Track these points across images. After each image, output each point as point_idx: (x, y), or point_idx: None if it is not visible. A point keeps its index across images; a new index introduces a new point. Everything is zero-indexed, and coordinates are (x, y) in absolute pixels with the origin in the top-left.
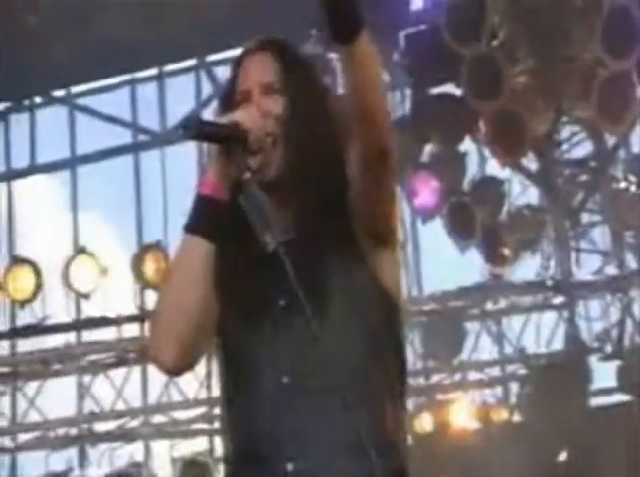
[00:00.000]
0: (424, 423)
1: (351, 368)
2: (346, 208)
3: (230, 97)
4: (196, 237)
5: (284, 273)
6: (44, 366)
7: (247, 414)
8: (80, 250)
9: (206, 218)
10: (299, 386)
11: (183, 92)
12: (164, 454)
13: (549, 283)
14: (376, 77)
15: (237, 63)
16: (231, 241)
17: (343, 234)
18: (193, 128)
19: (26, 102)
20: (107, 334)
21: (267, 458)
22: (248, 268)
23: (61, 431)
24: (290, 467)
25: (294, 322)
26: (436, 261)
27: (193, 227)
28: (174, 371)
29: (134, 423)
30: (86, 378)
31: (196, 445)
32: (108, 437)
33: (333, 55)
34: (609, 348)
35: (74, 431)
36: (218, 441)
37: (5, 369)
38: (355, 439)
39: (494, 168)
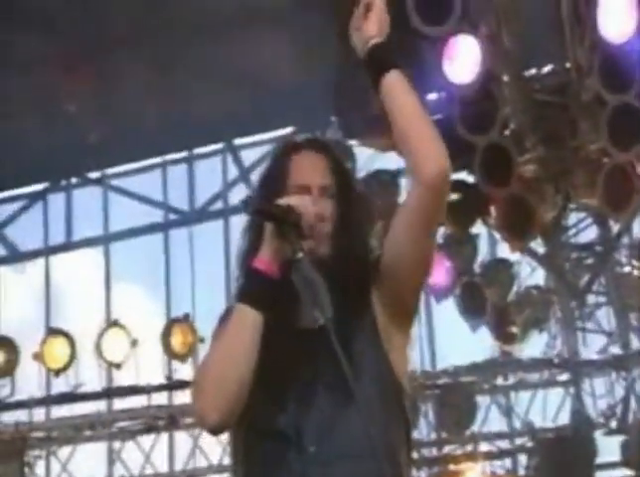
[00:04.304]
0: None
1: (372, 440)
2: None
3: (277, 185)
4: (249, 308)
5: (314, 350)
6: (76, 432)
7: None
8: (112, 322)
9: (259, 291)
10: (325, 454)
11: (210, 174)
12: None
13: (555, 361)
14: (414, 103)
15: (284, 154)
16: (269, 318)
17: (372, 317)
18: (253, 205)
19: (63, 183)
20: (137, 402)
21: None
22: (280, 344)
23: None
24: None
25: (318, 396)
26: (449, 338)
27: (247, 298)
28: (217, 432)
29: None
30: (116, 444)
31: None
32: None
33: (353, 141)
34: (614, 424)
35: None
36: None
37: (40, 434)
38: None
39: (504, 251)
